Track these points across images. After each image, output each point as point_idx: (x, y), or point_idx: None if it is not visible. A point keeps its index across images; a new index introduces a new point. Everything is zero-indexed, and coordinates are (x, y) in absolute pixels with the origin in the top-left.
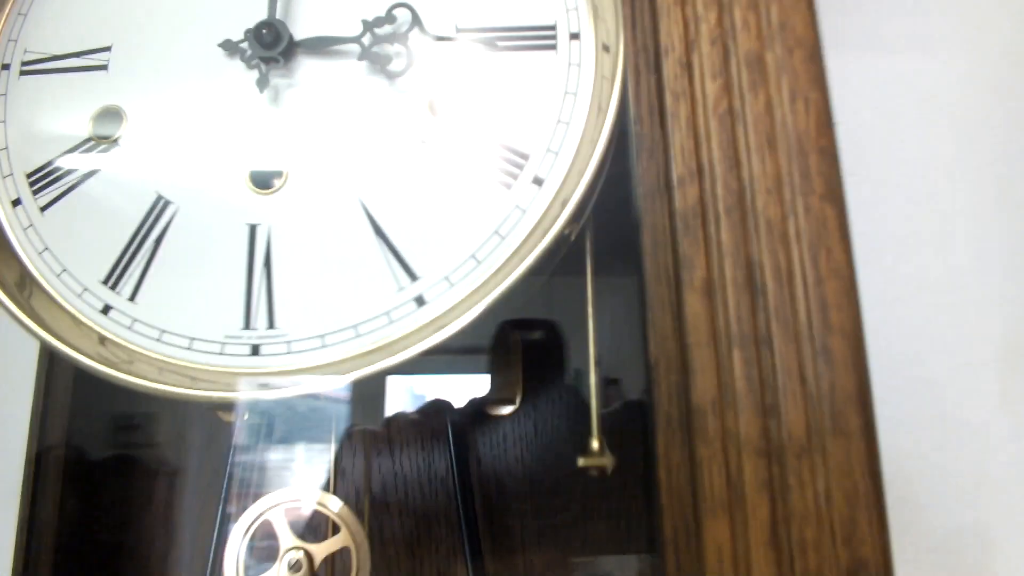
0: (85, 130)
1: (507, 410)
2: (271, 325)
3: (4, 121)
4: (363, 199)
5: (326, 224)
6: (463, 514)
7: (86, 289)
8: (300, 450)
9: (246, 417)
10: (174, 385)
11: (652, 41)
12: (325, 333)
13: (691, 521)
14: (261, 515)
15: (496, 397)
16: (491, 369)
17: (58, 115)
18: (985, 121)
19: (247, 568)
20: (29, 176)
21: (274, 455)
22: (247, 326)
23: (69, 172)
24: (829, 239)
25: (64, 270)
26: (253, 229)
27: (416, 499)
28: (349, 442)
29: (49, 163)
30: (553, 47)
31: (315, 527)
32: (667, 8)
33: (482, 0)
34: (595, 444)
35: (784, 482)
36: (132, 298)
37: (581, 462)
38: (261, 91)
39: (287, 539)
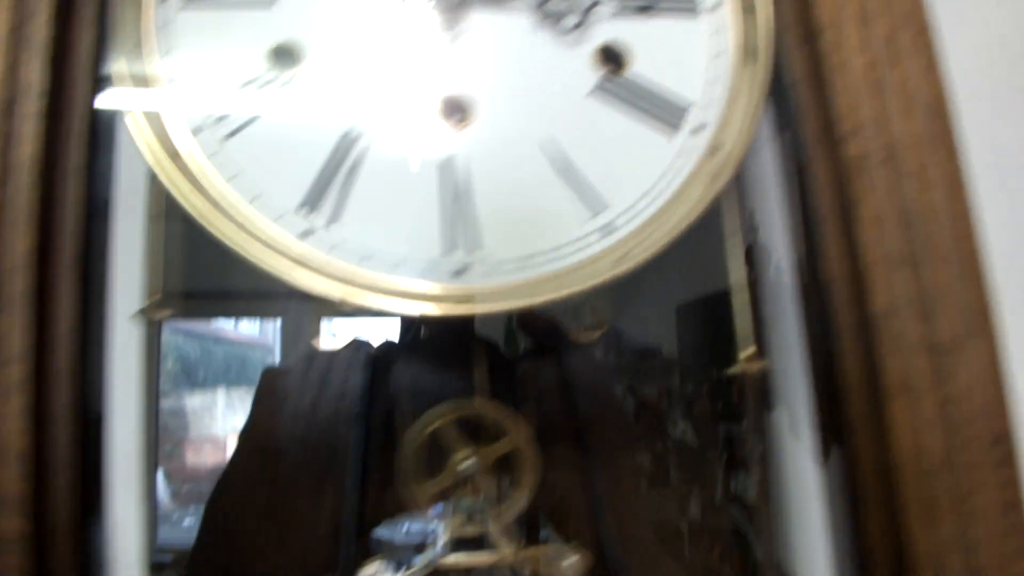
0: (261, 64)
1: None
2: (474, 249)
3: (169, 52)
4: (550, 135)
5: (515, 156)
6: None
7: (282, 215)
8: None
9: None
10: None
11: (800, 19)
12: (525, 256)
13: (869, 406)
14: (428, 427)
15: None
16: None
17: (229, 49)
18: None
19: (422, 480)
20: (206, 107)
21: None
22: (451, 250)
23: (250, 104)
24: (956, 187)
25: (257, 196)
26: (447, 160)
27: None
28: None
29: (227, 95)
30: (698, 13)
31: (480, 434)
32: None
33: None
34: (749, 351)
35: (942, 372)
36: (332, 223)
37: (740, 367)
38: (447, 33)
39: (458, 446)
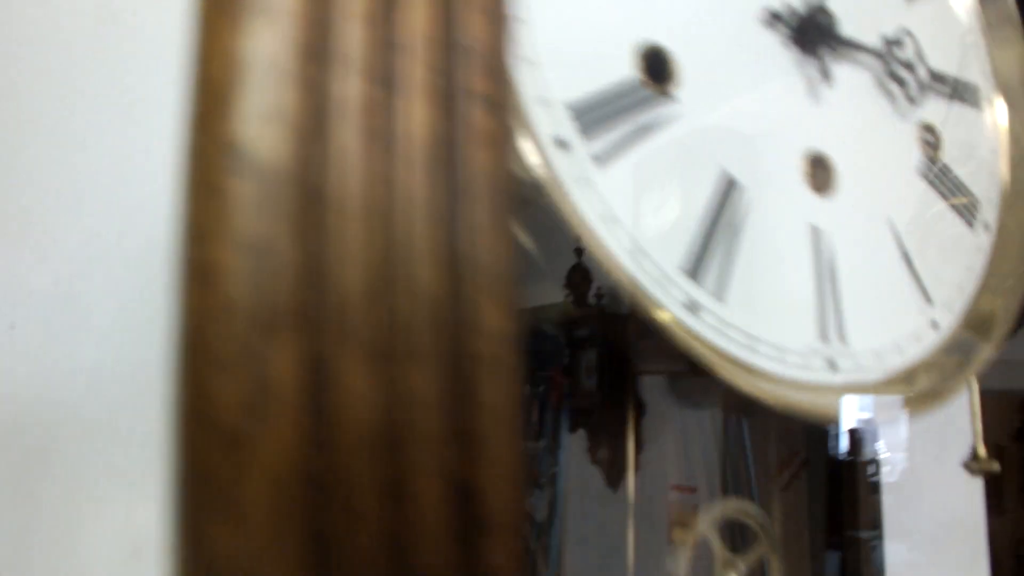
0: (630, 65)
1: None
2: (842, 339)
3: (527, 20)
4: (890, 214)
5: (868, 234)
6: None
7: (666, 276)
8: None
9: None
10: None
11: None
12: (880, 350)
13: None
14: (697, 529)
15: None
16: None
17: (593, 33)
18: None
19: None
20: (572, 108)
21: None
22: (822, 338)
23: (623, 117)
24: None
25: (640, 249)
26: (815, 232)
27: None
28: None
29: (598, 96)
30: (980, 106)
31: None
32: None
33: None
34: (981, 451)
35: None
36: (719, 296)
37: (973, 467)
38: (825, 81)
39: (722, 553)
